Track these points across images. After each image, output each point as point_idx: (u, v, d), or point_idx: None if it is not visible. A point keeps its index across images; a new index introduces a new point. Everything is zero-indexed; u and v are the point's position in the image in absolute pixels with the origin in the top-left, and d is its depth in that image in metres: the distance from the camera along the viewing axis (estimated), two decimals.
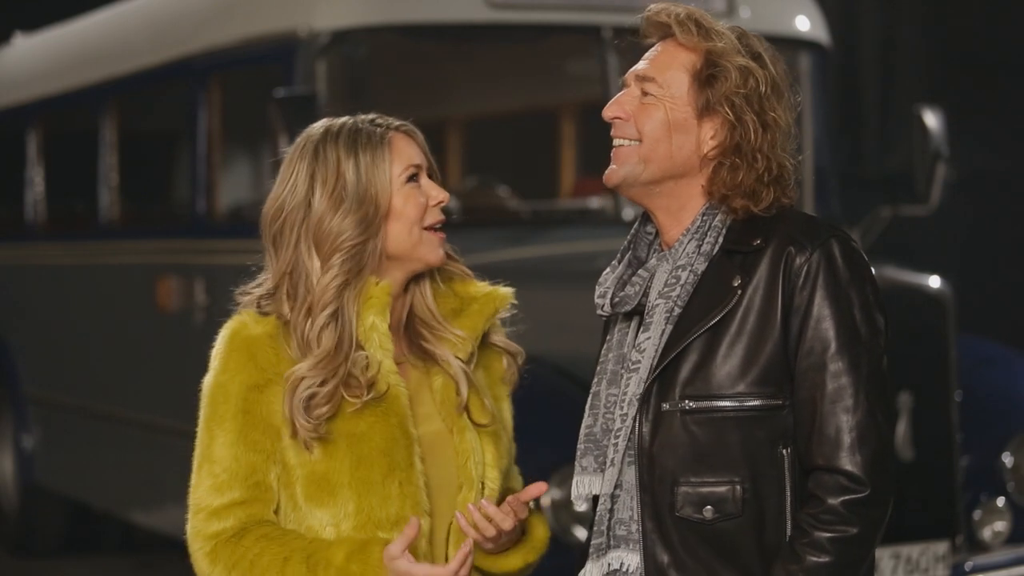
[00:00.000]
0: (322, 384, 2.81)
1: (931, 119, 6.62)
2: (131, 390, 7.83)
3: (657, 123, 2.82)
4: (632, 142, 2.84)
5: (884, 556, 5.29)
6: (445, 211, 2.97)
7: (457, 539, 2.88)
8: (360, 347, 2.85)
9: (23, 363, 9.07)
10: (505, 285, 3.03)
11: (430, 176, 2.93)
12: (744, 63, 2.82)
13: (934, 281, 5.72)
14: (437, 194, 2.91)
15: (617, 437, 2.80)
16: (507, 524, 2.82)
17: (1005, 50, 11.52)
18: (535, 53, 6.95)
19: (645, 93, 2.84)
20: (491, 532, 2.82)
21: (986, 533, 5.74)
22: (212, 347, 2.93)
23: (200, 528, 2.86)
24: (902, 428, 5.42)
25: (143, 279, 7.61)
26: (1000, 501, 5.78)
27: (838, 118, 7.45)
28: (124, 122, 8.14)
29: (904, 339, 5.38)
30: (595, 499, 2.87)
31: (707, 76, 2.81)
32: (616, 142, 2.86)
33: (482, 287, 2.99)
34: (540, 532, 2.95)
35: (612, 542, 2.80)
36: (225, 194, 7.26)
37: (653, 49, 2.88)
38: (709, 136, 2.83)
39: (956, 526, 5.54)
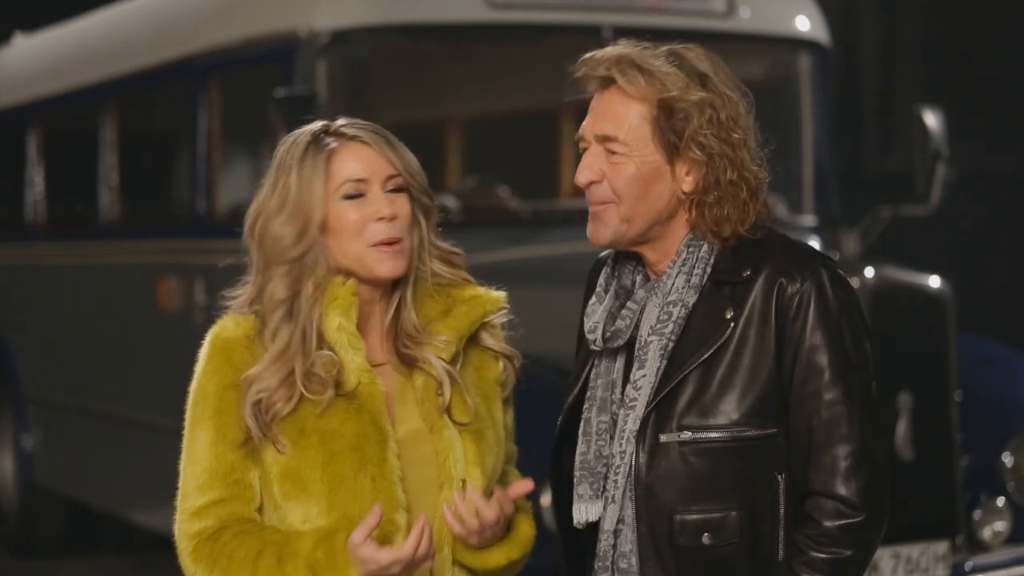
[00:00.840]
0: (277, 387, 2.83)
1: (931, 119, 6.62)
2: (131, 390, 7.83)
3: (631, 180, 2.82)
4: (609, 203, 2.84)
5: (884, 556, 5.30)
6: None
7: (438, 537, 2.88)
8: (328, 346, 2.86)
9: (23, 363, 9.07)
10: (505, 286, 3.03)
11: (402, 188, 2.89)
12: (698, 97, 2.80)
13: (934, 281, 5.72)
14: (377, 210, 2.86)
15: (617, 473, 2.83)
16: (491, 514, 2.83)
17: (1005, 50, 11.52)
18: (535, 53, 6.95)
19: (611, 152, 2.83)
20: (475, 524, 2.83)
21: (986, 533, 5.73)
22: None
23: (184, 529, 2.90)
24: (902, 428, 5.42)
25: (143, 279, 7.61)
26: (1000, 501, 5.78)
27: (838, 118, 7.45)
28: (124, 122, 8.14)
29: (904, 339, 5.40)
30: (592, 525, 2.89)
31: (668, 124, 2.80)
32: (596, 205, 2.86)
33: (474, 290, 2.99)
34: (525, 530, 2.95)
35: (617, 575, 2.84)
36: (225, 194, 7.26)
37: (599, 100, 2.86)
38: (684, 174, 2.83)
39: (956, 526, 5.54)
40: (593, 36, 6.39)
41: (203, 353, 2.92)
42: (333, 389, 2.84)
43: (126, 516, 8.13)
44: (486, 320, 2.98)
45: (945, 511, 5.52)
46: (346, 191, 2.86)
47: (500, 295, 3.00)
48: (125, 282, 7.94)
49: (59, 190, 8.99)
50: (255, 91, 6.58)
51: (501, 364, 2.99)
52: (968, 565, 5.55)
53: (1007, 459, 5.88)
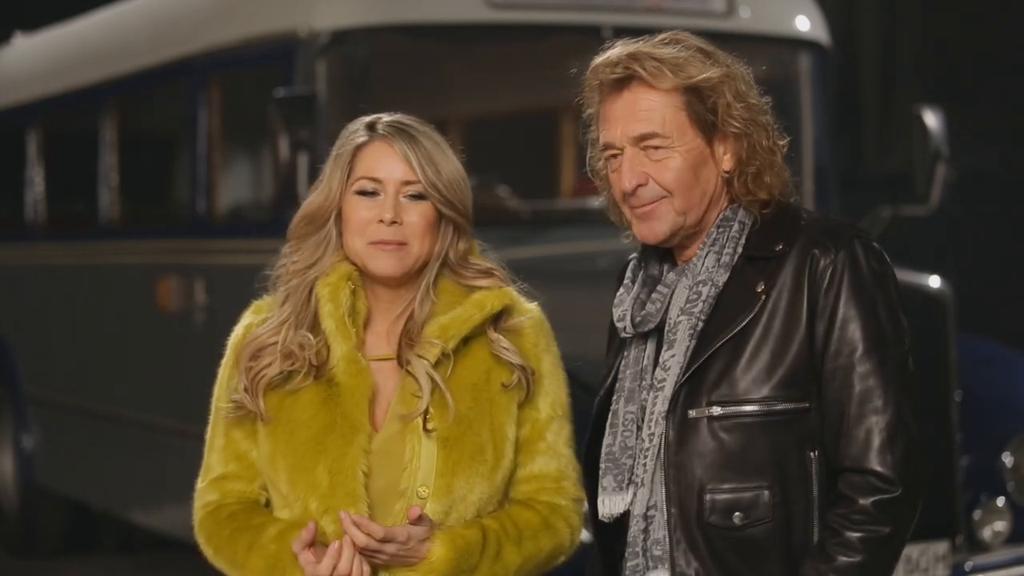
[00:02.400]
0: (268, 347, 2.90)
1: (931, 119, 6.62)
2: (131, 390, 7.83)
3: (681, 172, 2.79)
4: (661, 199, 2.80)
5: None
6: None
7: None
8: (321, 331, 2.91)
9: (23, 363, 9.07)
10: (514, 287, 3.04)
11: (421, 195, 2.92)
12: (719, 73, 2.79)
13: (934, 281, 5.72)
14: (377, 213, 2.91)
15: (646, 457, 2.78)
16: (359, 539, 2.80)
17: (1004, 50, 11.52)
18: (535, 53, 6.95)
19: (654, 148, 2.79)
20: (353, 547, 2.81)
21: (986, 533, 5.73)
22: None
23: (197, 500, 3.01)
24: None
25: (143, 279, 7.60)
26: (1000, 501, 5.78)
27: (838, 118, 7.44)
28: (124, 122, 8.14)
29: None
30: (619, 517, 2.85)
31: (702, 106, 2.78)
32: (645, 206, 2.82)
33: (478, 293, 2.98)
34: (438, 552, 2.86)
35: (650, 563, 2.79)
36: (225, 194, 7.26)
37: (619, 102, 2.81)
38: (723, 155, 2.82)
39: (956, 526, 5.53)
40: (593, 36, 6.38)
41: (231, 340, 3.01)
42: (311, 373, 2.88)
43: (126, 516, 8.12)
44: (508, 325, 2.96)
45: (945, 511, 5.51)
46: (359, 187, 2.92)
47: (502, 293, 2.99)
48: (125, 282, 7.93)
49: (59, 190, 8.99)
50: (255, 91, 6.58)
51: (515, 373, 2.95)
52: (968, 565, 5.55)
53: (1007, 459, 5.87)
